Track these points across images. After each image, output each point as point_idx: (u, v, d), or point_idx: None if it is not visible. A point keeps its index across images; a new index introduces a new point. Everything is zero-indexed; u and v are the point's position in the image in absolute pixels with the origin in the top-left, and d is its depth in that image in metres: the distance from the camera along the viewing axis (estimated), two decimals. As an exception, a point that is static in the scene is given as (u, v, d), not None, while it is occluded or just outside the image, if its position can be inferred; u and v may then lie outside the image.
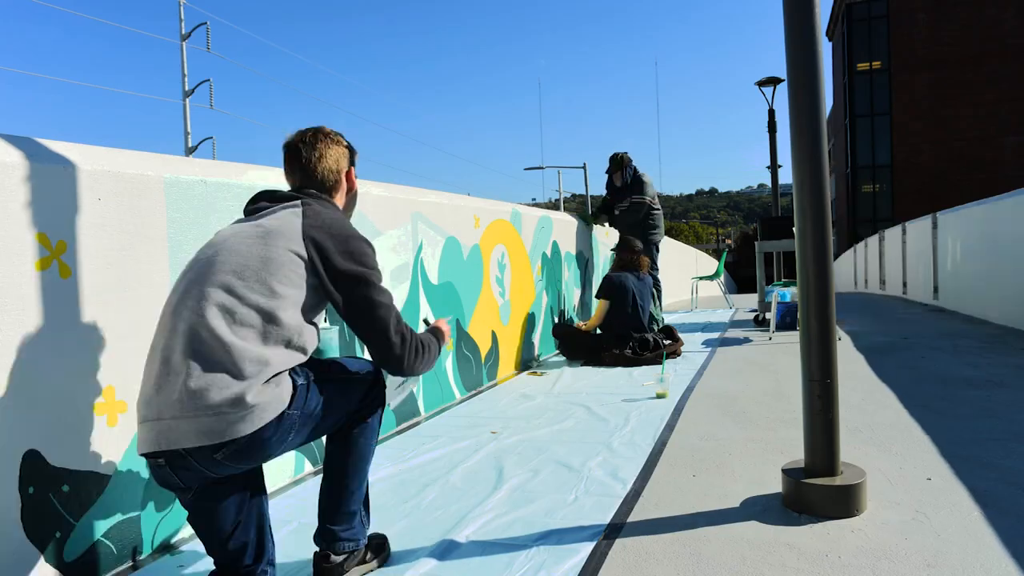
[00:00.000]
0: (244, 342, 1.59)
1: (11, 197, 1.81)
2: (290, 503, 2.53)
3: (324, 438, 1.89)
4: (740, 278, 27.71)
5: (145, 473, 2.15)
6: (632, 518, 2.25)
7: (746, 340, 6.43)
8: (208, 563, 2.04)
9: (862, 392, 3.95)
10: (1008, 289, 6.41)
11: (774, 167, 16.94)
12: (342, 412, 1.82)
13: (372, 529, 2.04)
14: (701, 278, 11.41)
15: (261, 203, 1.85)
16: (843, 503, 2.17)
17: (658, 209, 6.87)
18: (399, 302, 3.64)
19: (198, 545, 2.18)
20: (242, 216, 1.89)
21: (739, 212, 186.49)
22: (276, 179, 2.77)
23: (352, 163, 2.03)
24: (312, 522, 2.31)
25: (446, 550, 2.06)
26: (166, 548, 2.18)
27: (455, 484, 2.66)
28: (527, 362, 5.45)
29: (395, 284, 3.61)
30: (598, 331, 5.68)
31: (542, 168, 36.20)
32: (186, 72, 25.38)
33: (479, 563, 1.97)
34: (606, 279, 5.66)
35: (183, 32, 25.37)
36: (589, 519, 2.24)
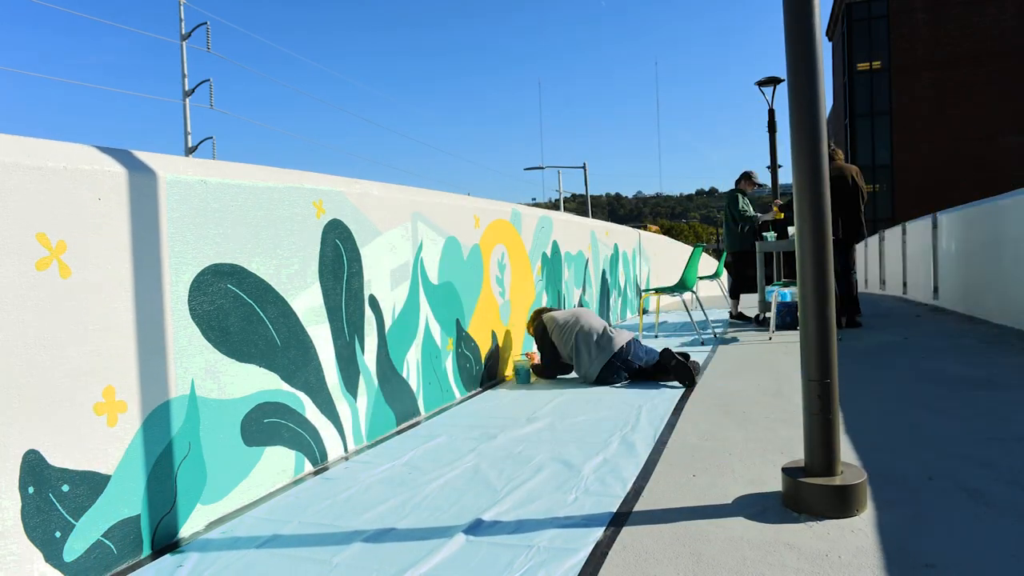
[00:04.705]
0: None
1: (11, 197, 1.81)
2: (290, 502, 2.53)
3: None
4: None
5: (145, 473, 2.15)
6: (632, 518, 2.25)
7: (746, 340, 6.43)
8: (208, 564, 2.04)
9: (862, 392, 3.95)
10: (1008, 289, 6.40)
11: (774, 167, 16.95)
12: None
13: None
14: (701, 278, 11.41)
15: None
16: (843, 503, 2.17)
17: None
18: (399, 302, 3.65)
19: (198, 545, 2.19)
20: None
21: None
22: (276, 179, 2.77)
23: None
24: (311, 521, 2.32)
25: (446, 549, 2.06)
26: (166, 548, 2.18)
27: (455, 484, 2.66)
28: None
29: (395, 284, 3.61)
30: None
31: (542, 168, 36.24)
32: (186, 72, 25.39)
33: (479, 562, 1.97)
34: None
35: (183, 32, 25.37)
36: (589, 519, 2.24)
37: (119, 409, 2.07)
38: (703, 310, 7.76)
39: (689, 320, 7.78)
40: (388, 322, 3.53)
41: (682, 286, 6.56)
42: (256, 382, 2.61)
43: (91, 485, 1.98)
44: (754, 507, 2.28)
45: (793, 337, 6.33)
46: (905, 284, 11.23)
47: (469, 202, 4.62)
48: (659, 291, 6.66)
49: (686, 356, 4.48)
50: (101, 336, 2.02)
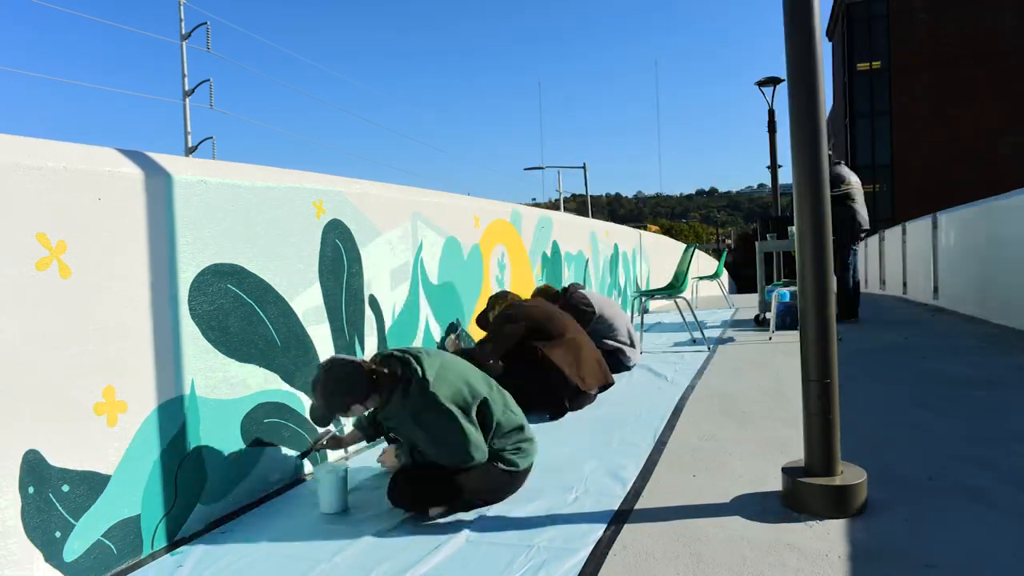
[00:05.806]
0: None
1: (11, 197, 1.81)
2: (290, 502, 2.53)
3: None
4: (740, 278, 27.68)
5: (145, 473, 2.15)
6: (632, 518, 2.25)
7: (746, 340, 6.43)
8: (208, 564, 2.04)
9: (862, 392, 3.95)
10: (1008, 289, 6.40)
11: (774, 167, 16.96)
12: None
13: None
14: (701, 278, 11.42)
15: None
16: (843, 503, 2.17)
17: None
18: (399, 302, 3.65)
19: (198, 545, 2.19)
20: None
21: (739, 212, 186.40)
22: (276, 179, 2.77)
23: None
24: (312, 521, 2.32)
25: (447, 549, 2.06)
26: (166, 548, 2.18)
27: (455, 484, 2.65)
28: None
29: (395, 284, 3.61)
30: None
31: (542, 168, 36.26)
32: (186, 72, 25.36)
33: (479, 561, 1.97)
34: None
35: (183, 32, 25.36)
36: (589, 519, 2.24)
37: (119, 409, 2.07)
38: (693, 312, 7.70)
39: (682, 321, 7.75)
40: (388, 322, 3.53)
41: (672, 288, 6.46)
42: (256, 382, 2.61)
43: (91, 485, 1.98)
44: (754, 507, 2.28)
45: (793, 337, 6.32)
46: (905, 284, 11.23)
47: (469, 202, 4.62)
48: (651, 294, 6.62)
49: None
50: (101, 336, 2.02)
